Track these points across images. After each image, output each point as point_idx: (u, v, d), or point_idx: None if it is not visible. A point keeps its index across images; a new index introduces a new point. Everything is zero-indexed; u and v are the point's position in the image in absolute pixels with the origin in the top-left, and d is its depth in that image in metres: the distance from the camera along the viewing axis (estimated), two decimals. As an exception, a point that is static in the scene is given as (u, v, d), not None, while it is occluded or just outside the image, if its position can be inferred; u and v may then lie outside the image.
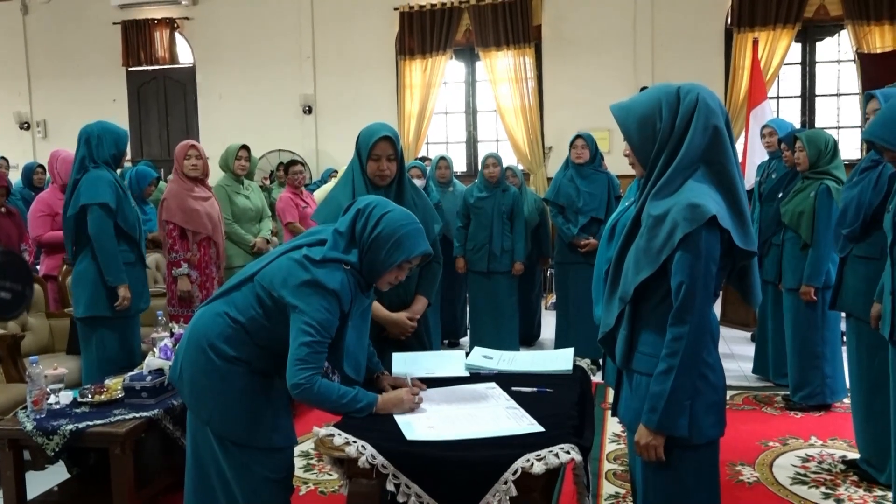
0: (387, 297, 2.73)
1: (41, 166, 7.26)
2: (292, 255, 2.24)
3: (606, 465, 3.71)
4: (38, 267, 5.15)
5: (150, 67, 10.08)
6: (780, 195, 4.58)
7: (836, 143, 4.20)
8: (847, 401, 4.26)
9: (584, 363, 2.77)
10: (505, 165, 5.77)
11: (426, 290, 2.89)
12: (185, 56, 10.11)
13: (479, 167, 5.73)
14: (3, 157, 8.62)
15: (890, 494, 3.18)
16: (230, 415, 2.27)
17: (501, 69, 8.88)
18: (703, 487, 2.00)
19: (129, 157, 9.84)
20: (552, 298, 7.57)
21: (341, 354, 2.23)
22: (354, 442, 1.99)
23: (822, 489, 3.41)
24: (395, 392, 2.28)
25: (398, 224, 2.24)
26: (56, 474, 3.42)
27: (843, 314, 3.65)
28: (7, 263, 0.97)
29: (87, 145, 3.85)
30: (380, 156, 2.76)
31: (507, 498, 1.88)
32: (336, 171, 8.38)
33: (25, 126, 10.49)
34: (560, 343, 5.41)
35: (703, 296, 1.84)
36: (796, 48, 8.39)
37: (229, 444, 2.29)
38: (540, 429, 2.06)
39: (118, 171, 4.11)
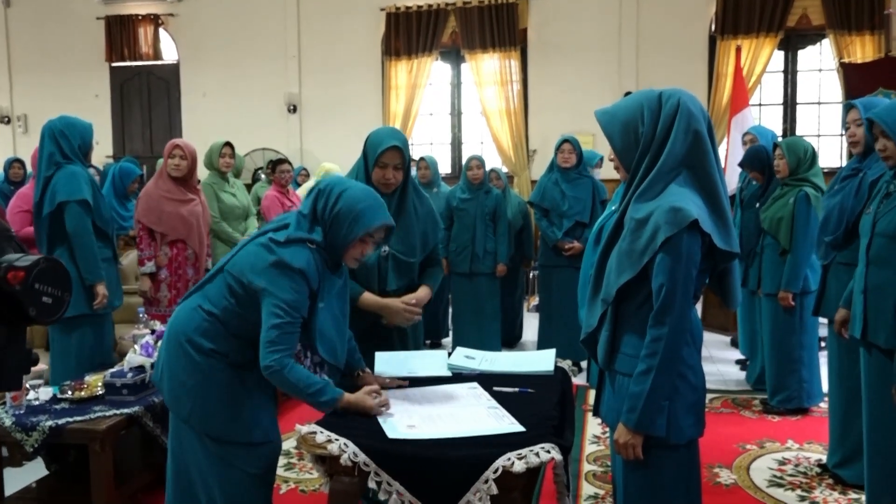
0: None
1: (19, 160, 7.19)
2: (258, 241, 2.29)
3: (586, 467, 3.74)
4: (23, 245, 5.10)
5: (134, 63, 10.02)
6: (757, 204, 4.67)
7: (814, 151, 4.27)
8: (823, 405, 4.33)
9: (566, 364, 2.79)
10: (489, 168, 5.80)
11: (428, 280, 2.87)
12: (169, 53, 10.05)
13: (463, 169, 5.75)
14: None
15: (863, 497, 3.23)
16: (209, 409, 2.28)
17: (487, 72, 8.91)
18: (682, 487, 2.02)
19: (111, 153, 9.80)
20: (534, 300, 7.61)
21: (314, 335, 2.26)
22: (337, 440, 2.00)
23: (798, 492, 3.46)
24: (361, 396, 2.26)
25: (356, 199, 2.28)
26: (34, 471, 3.39)
27: (826, 320, 3.69)
28: (49, 269, 1.02)
29: (54, 140, 3.75)
30: (387, 164, 2.70)
31: (488, 496, 1.90)
32: (305, 169, 8.40)
33: (6, 120, 10.39)
34: (542, 345, 5.43)
35: (682, 298, 1.87)
36: (779, 56, 8.49)
37: (208, 440, 2.30)
38: (521, 428, 2.08)
39: (90, 166, 4.06)
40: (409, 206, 2.80)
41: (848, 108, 3.35)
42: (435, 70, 9.26)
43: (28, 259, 1.10)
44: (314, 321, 2.25)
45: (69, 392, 3.13)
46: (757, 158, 4.71)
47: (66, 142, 3.77)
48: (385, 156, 2.68)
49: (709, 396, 4.69)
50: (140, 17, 9.85)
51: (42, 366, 3.29)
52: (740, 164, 4.95)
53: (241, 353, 2.29)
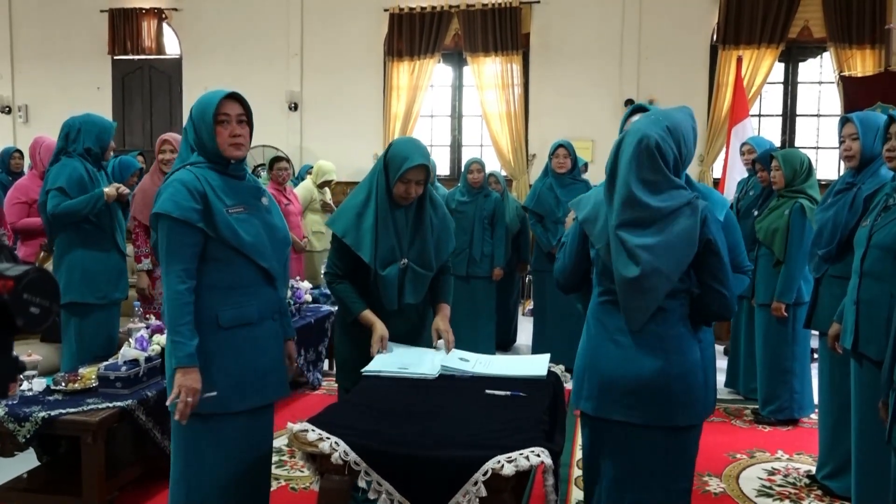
0: (403, 319, 2.78)
1: (18, 151, 7.18)
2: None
3: (576, 472, 3.75)
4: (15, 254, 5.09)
5: (136, 57, 10.01)
6: (754, 213, 4.67)
7: (810, 163, 4.29)
8: (814, 416, 4.34)
9: (559, 369, 2.80)
10: (488, 171, 5.81)
11: (445, 297, 2.91)
12: (171, 47, 10.05)
13: (463, 171, 5.76)
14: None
15: (851, 509, 3.25)
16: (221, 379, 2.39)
17: (488, 75, 8.91)
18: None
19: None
20: (529, 304, 7.62)
21: (243, 248, 2.35)
22: (328, 438, 2.01)
23: (787, 502, 3.48)
24: (185, 382, 2.29)
25: (196, 103, 2.41)
26: (26, 461, 3.39)
27: (818, 333, 3.70)
28: (38, 280, 1.04)
29: (65, 138, 3.88)
30: (410, 180, 2.70)
31: (477, 498, 1.91)
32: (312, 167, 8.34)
33: (6, 110, 10.38)
34: (536, 349, 5.45)
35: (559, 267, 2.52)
36: (779, 68, 8.50)
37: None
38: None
39: (104, 161, 4.09)
40: (426, 218, 2.81)
41: (843, 121, 3.35)
42: (437, 72, 9.25)
43: (18, 269, 1.10)
44: (233, 235, 2.33)
45: (62, 384, 3.13)
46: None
47: (75, 141, 3.87)
48: (410, 173, 2.67)
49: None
50: (143, 11, 9.85)
51: (35, 357, 3.30)
52: (756, 159, 4.90)
53: (205, 311, 2.34)
